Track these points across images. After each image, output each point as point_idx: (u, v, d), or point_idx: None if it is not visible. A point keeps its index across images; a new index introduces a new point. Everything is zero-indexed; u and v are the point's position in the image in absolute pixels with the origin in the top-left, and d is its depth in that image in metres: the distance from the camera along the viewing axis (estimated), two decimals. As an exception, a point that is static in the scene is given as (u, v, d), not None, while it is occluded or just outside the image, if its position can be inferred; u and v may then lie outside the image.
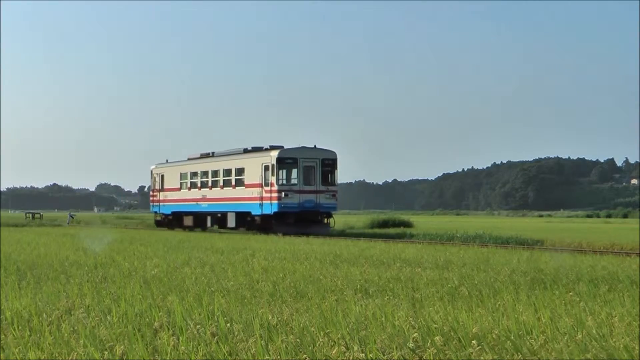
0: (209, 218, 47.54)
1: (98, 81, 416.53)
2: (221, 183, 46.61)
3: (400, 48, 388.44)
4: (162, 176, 53.87)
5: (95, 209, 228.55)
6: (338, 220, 47.37)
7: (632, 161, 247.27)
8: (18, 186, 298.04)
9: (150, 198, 56.12)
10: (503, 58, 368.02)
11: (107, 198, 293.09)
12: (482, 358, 7.09)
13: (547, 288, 12.71)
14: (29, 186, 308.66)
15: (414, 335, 7.76)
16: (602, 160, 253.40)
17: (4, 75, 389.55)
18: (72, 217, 74.66)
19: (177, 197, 51.64)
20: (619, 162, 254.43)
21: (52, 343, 7.82)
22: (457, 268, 16.86)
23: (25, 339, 8.02)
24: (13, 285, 12.72)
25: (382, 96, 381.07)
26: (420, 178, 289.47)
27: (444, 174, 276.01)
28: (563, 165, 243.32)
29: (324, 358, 7.16)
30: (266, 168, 41.66)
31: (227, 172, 46.12)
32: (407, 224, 54.17)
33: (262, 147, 43.76)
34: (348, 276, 14.49)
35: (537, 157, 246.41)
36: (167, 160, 54.72)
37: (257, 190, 42.12)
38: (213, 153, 49.33)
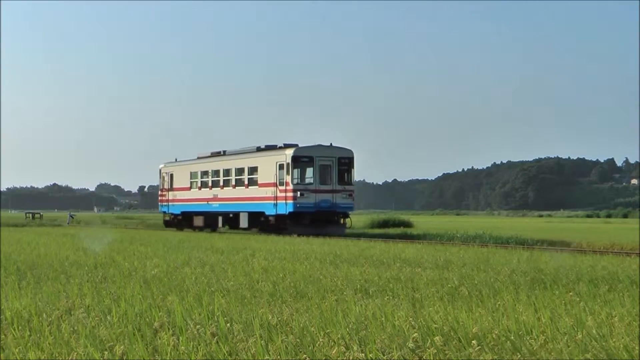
0: (220, 218, 46.37)
1: (98, 81, 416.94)
2: (233, 182, 45.48)
3: (400, 48, 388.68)
4: (171, 175, 52.63)
5: (95, 209, 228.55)
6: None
7: (632, 161, 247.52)
8: (18, 186, 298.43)
9: (159, 198, 54.85)
10: (503, 58, 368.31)
11: (107, 198, 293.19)
12: (482, 358, 7.09)
13: (547, 288, 12.71)
14: (29, 186, 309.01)
15: (414, 335, 7.76)
16: (602, 160, 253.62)
17: (4, 75, 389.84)
18: (72, 217, 74.66)
19: (187, 196, 50.47)
20: (619, 162, 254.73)
21: (52, 343, 7.82)
22: (457, 268, 16.85)
23: (25, 339, 8.02)
24: (13, 285, 12.72)
25: (382, 96, 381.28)
26: (420, 178, 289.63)
27: (444, 174, 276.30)
28: (563, 165, 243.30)
29: (323, 358, 7.16)
30: (281, 167, 40.54)
31: (240, 171, 44.94)
32: (407, 224, 54.20)
33: (276, 146, 42.69)
34: (348, 276, 14.49)
35: (537, 157, 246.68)
36: (175, 159, 53.62)
37: (271, 189, 41.07)
38: (224, 152, 48.05)
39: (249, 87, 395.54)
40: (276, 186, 40.61)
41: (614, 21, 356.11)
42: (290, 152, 40.29)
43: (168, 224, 53.20)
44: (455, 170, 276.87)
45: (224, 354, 7.27)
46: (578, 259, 20.56)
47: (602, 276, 14.74)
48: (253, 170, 43.45)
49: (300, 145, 40.92)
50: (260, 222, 42.28)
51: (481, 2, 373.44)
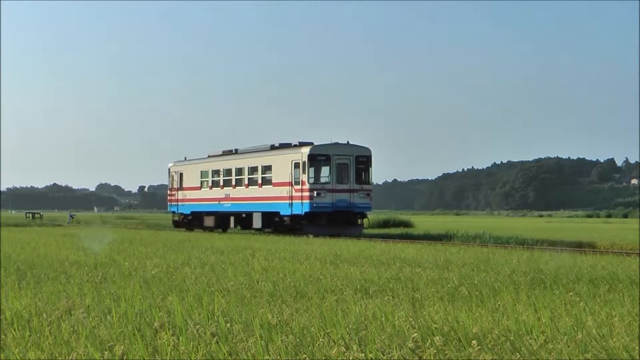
0: (232, 218, 45.16)
1: (98, 81, 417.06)
2: (246, 181, 44.05)
3: (400, 48, 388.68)
4: (181, 174, 51.25)
5: (95, 209, 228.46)
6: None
7: (632, 161, 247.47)
8: (18, 186, 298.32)
9: (168, 197, 53.40)
10: (503, 58, 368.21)
11: (107, 198, 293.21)
12: (481, 358, 7.09)
13: (547, 288, 12.71)
14: (29, 186, 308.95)
15: (414, 335, 7.76)
16: (602, 160, 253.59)
17: (4, 75, 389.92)
18: (72, 217, 74.66)
19: (198, 196, 49.19)
20: (619, 162, 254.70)
21: (52, 343, 7.82)
22: (457, 268, 16.86)
23: (25, 339, 8.03)
24: (13, 285, 12.73)
25: (381, 96, 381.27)
26: (420, 178, 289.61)
27: (444, 174, 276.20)
28: (563, 165, 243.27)
29: (323, 358, 7.16)
30: (296, 165, 39.35)
31: (253, 170, 43.61)
32: (407, 224, 54.21)
33: (291, 144, 41.56)
34: (348, 276, 14.49)
35: (537, 157, 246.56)
36: (185, 158, 52.32)
37: (286, 189, 39.85)
38: (236, 150, 46.79)
39: (247, 87, 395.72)
40: (291, 185, 39.44)
41: (614, 21, 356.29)
42: (306, 150, 39.15)
43: (177, 224, 52.07)
44: (455, 170, 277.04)
45: (224, 354, 7.27)
46: (578, 259, 20.56)
47: (602, 276, 14.74)
48: (267, 169, 42.27)
49: (315, 144, 39.83)
50: (274, 222, 41.25)
51: (481, 2, 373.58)
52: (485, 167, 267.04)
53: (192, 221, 49.97)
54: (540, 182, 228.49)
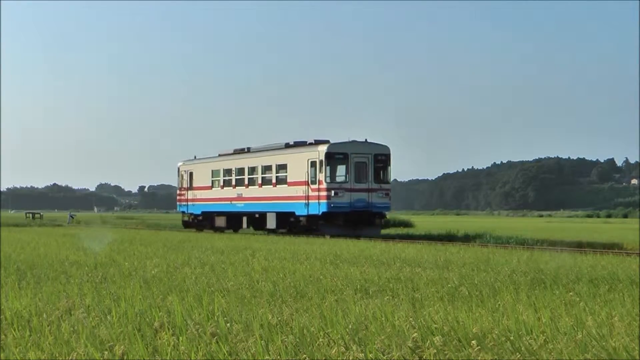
0: (244, 219, 44.15)
1: (98, 81, 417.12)
2: (259, 181, 42.94)
3: (400, 48, 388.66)
4: (191, 174, 50.06)
5: (95, 209, 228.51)
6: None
7: (632, 161, 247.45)
8: (18, 186, 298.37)
9: (177, 197, 52.17)
10: (503, 58, 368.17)
11: (107, 198, 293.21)
12: (481, 358, 7.09)
13: (547, 288, 12.71)
14: (29, 186, 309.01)
15: (414, 335, 7.76)
16: (602, 160, 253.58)
17: (4, 75, 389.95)
18: (72, 217, 74.66)
19: (208, 196, 48.01)
20: (619, 162, 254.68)
21: (52, 343, 7.82)
22: (457, 268, 16.85)
23: (25, 339, 8.02)
24: (13, 285, 12.72)
25: (381, 96, 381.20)
26: (420, 178, 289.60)
27: (444, 174, 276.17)
28: (563, 165, 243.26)
29: (323, 358, 7.16)
30: (312, 164, 38.28)
31: (267, 169, 42.46)
32: (408, 224, 54.23)
33: (306, 142, 40.72)
34: (348, 276, 14.49)
35: (537, 157, 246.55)
36: (195, 157, 51.20)
37: (302, 188, 38.73)
38: (249, 148, 45.69)
39: (248, 88, 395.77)
40: (308, 185, 38.35)
41: (614, 21, 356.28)
42: (323, 148, 38.10)
43: (187, 224, 50.93)
44: (455, 170, 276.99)
45: (224, 354, 7.27)
46: (578, 259, 20.56)
47: (602, 276, 14.74)
48: (281, 167, 41.14)
49: (332, 142, 38.84)
50: (289, 222, 40.22)
51: (481, 2, 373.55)
52: (485, 167, 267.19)
53: (202, 221, 48.83)
54: (540, 182, 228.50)
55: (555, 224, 70.91)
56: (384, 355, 7.18)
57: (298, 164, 39.57)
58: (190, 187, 50.00)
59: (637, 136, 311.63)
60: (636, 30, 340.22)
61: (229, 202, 45.70)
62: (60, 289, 12.37)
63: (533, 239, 33.35)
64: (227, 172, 46.46)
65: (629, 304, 10.63)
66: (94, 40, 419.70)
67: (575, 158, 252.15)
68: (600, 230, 47.09)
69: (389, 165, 39.11)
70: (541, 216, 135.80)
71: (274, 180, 41.74)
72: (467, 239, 35.72)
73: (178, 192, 52.16)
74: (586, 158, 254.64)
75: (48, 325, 8.74)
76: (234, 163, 45.91)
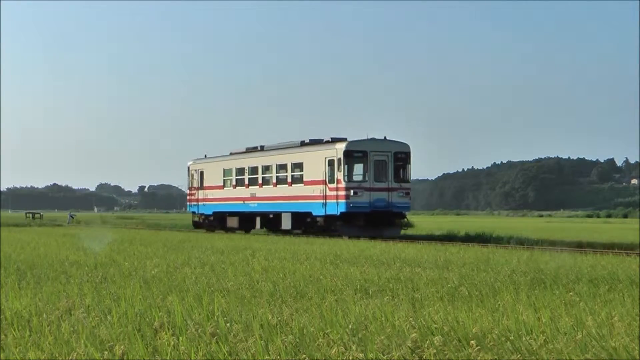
0: (258, 219, 42.79)
1: (98, 81, 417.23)
2: (274, 180, 41.50)
3: (400, 48, 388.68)
4: (201, 173, 48.56)
5: (95, 209, 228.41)
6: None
7: (632, 161, 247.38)
8: (18, 186, 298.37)
9: (187, 197, 50.77)
10: (503, 58, 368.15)
11: (107, 198, 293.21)
12: (481, 358, 7.09)
13: (547, 288, 12.71)
14: (29, 186, 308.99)
15: (414, 335, 7.76)
16: (602, 160, 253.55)
17: (4, 75, 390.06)
18: (72, 217, 74.66)
19: (220, 195, 46.56)
20: (619, 162, 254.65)
21: (52, 343, 7.82)
22: (457, 268, 16.86)
23: (25, 339, 8.03)
24: (13, 285, 12.73)
25: (381, 96, 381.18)
26: (420, 178, 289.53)
27: (444, 174, 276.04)
28: (563, 165, 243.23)
29: (323, 358, 7.16)
30: (330, 163, 36.96)
31: (282, 168, 41.05)
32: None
33: (323, 140, 39.26)
34: (348, 276, 14.49)
35: (537, 157, 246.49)
36: (205, 156, 49.72)
37: (319, 187, 37.35)
38: (262, 147, 44.20)
39: (248, 88, 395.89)
40: (325, 184, 37.01)
41: (614, 21, 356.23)
42: (341, 146, 36.74)
43: (197, 225, 49.54)
44: (455, 170, 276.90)
45: (224, 354, 7.27)
46: (578, 259, 20.56)
47: (602, 276, 14.74)
48: (297, 166, 39.71)
49: (349, 139, 37.48)
50: (305, 223, 38.80)
51: (481, 2, 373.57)
52: (485, 167, 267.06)
53: (213, 222, 47.46)
54: (540, 182, 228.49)
55: (555, 224, 70.91)
56: (383, 355, 7.18)
57: (315, 163, 38.23)
58: (201, 187, 48.66)
59: (637, 136, 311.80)
60: (636, 30, 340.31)
61: (241, 202, 44.40)
62: (60, 289, 12.37)
63: (533, 239, 33.33)
64: (240, 171, 45.02)
65: (629, 304, 10.63)
66: (94, 40, 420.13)
67: (575, 158, 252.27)
68: (600, 230, 47.10)
69: (409, 163, 37.78)
70: (541, 216, 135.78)
71: (289, 179, 40.40)
72: (468, 239, 35.69)
73: (188, 191, 50.80)
74: (586, 158, 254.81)
75: (48, 325, 8.74)
76: (247, 162, 44.55)
